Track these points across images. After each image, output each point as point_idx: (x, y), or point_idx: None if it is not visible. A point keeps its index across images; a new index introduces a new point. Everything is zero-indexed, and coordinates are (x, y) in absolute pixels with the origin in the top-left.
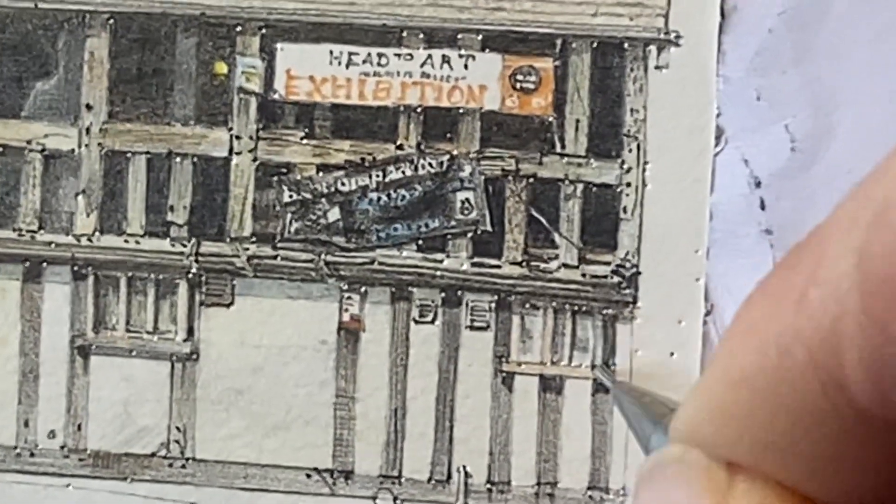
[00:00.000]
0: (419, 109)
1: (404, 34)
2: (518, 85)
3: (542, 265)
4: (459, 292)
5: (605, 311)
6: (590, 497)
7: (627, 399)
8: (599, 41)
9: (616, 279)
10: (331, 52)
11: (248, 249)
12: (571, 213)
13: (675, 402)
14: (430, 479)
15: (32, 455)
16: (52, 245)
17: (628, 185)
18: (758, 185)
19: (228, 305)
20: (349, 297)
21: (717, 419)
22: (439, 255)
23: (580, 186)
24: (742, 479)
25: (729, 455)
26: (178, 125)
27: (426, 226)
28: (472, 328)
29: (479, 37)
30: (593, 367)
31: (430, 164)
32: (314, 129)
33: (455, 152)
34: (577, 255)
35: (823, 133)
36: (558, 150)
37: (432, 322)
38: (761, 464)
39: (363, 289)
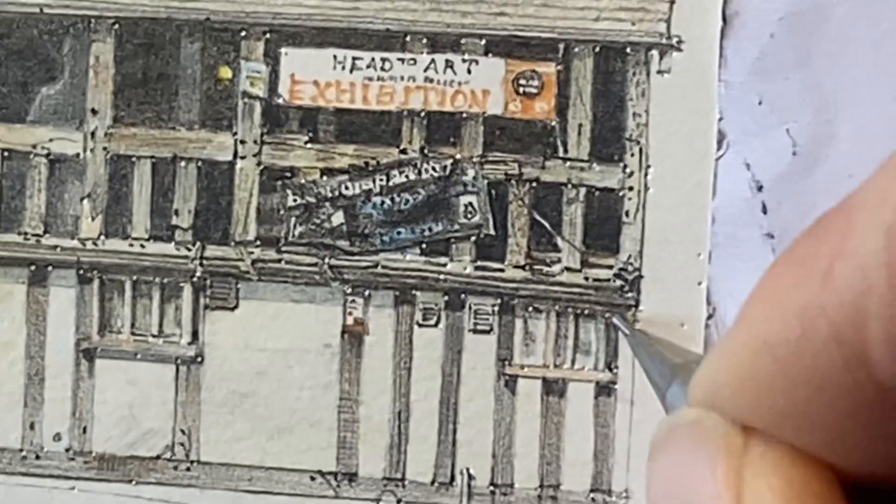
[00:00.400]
0: (422, 114)
1: (408, 39)
2: (521, 89)
3: (545, 269)
4: (463, 296)
5: (607, 315)
6: (592, 499)
7: (645, 349)
8: (602, 46)
9: (618, 283)
10: (335, 57)
11: (252, 253)
12: (574, 217)
13: (693, 353)
14: (433, 482)
15: (38, 457)
16: (58, 249)
17: (630, 189)
18: (759, 189)
19: (233, 309)
20: (353, 301)
21: (737, 384)
22: (443, 259)
23: (583, 190)
24: (758, 443)
25: (746, 419)
26: (183, 129)
27: (429, 230)
28: (475, 331)
29: (482, 41)
30: (612, 316)
31: (434, 169)
32: (318, 134)
33: (458, 156)
34: (579, 258)
35: (825, 137)
36: (561, 154)
37: (436, 325)
38: (779, 430)
39: (367, 292)
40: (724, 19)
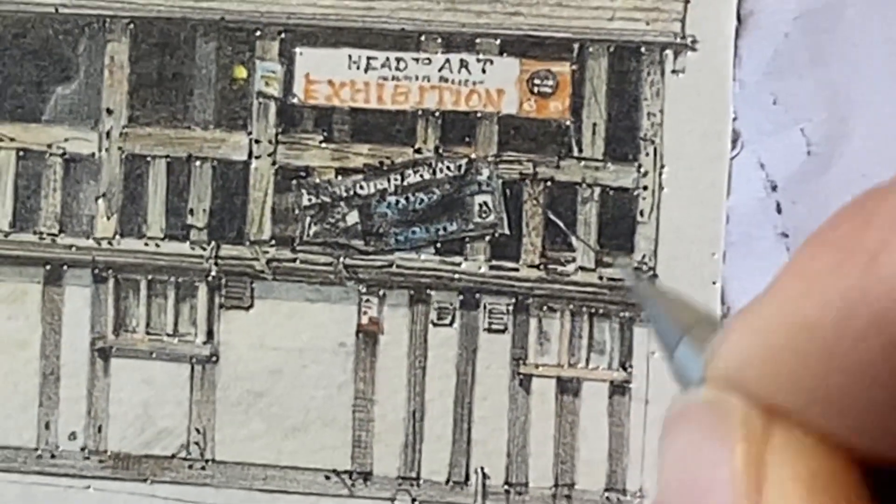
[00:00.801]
0: (437, 113)
1: (422, 39)
2: (535, 89)
3: (560, 268)
4: (477, 295)
5: (622, 314)
6: (607, 499)
7: (652, 301)
8: (616, 45)
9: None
10: (349, 57)
11: (267, 252)
12: (588, 217)
13: (704, 311)
14: (448, 481)
15: (53, 457)
16: (73, 248)
17: (645, 188)
18: (774, 188)
19: (248, 308)
20: (368, 300)
21: (768, 362)
22: (457, 259)
23: (597, 190)
24: (780, 428)
25: (772, 399)
26: (198, 129)
27: (444, 229)
28: (489, 331)
29: (497, 41)
30: (614, 264)
31: (448, 168)
32: (333, 133)
33: (473, 156)
34: (594, 258)
35: (839, 136)
36: (575, 153)
37: (450, 325)
38: (807, 412)
39: (381, 292)
40: (739, 19)
